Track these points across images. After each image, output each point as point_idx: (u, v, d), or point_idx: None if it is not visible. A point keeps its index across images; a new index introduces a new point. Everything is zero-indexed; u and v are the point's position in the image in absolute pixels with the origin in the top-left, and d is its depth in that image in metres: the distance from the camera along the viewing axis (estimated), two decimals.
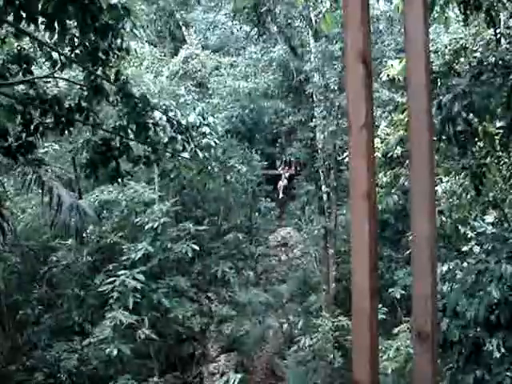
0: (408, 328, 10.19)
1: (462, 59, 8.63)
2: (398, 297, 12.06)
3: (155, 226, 14.31)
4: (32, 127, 8.47)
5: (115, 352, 12.73)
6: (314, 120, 16.14)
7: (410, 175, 1.62)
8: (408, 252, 10.97)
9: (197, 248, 14.53)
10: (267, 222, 20.64)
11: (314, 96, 16.17)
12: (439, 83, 7.73)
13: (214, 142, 8.61)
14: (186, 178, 14.82)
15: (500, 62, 7.13)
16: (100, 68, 8.25)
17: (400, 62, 10.05)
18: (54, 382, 13.16)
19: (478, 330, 7.44)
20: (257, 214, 19.66)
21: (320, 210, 16.54)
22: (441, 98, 6.84)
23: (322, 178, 16.33)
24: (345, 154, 13.25)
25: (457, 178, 9.67)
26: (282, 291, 18.02)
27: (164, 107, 8.51)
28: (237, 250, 17.42)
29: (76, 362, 13.24)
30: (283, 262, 20.46)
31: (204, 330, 16.45)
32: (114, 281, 13.28)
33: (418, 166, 1.61)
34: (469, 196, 9.59)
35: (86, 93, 8.54)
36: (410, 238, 1.66)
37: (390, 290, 12.04)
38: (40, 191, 11.60)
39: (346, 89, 1.71)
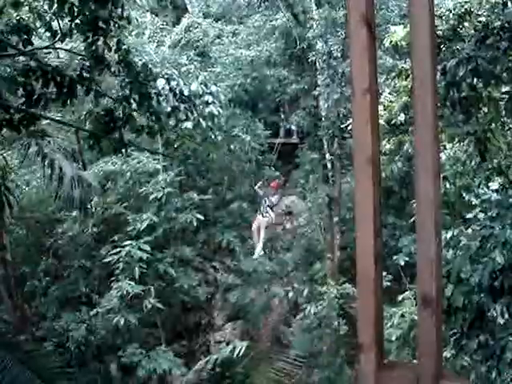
0: (412, 295, 10.24)
1: (466, 23, 8.51)
2: (403, 264, 12.08)
3: (159, 196, 14.33)
4: (34, 99, 8.45)
5: (122, 322, 12.87)
6: (317, 88, 16.02)
7: (414, 140, 1.60)
8: (412, 219, 10.98)
9: (201, 218, 14.56)
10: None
11: (317, 64, 16.04)
12: (444, 48, 7.65)
13: (218, 110, 8.55)
14: (190, 148, 14.78)
15: (506, 26, 7.04)
16: (101, 38, 8.19)
17: (404, 27, 9.93)
18: (63, 351, 13.33)
19: (482, 295, 7.47)
20: (260, 182, 19.64)
21: (324, 179, 16.51)
22: (445, 63, 6.78)
23: (325, 147, 16.28)
24: (348, 122, 13.17)
25: (461, 144, 9.62)
26: (287, 259, 18.08)
27: (166, 76, 8.45)
28: (241, 219, 17.45)
29: (84, 332, 13.39)
30: (288, 230, 20.49)
31: (210, 299, 16.59)
32: (120, 251, 13.34)
33: (423, 131, 1.60)
34: (473, 162, 9.55)
35: (87, 63, 8.49)
36: (415, 204, 1.65)
37: (395, 258, 12.07)
38: (43, 164, 11.62)
39: (350, 53, 1.68)
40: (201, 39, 20.59)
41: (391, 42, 10.02)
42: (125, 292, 12.97)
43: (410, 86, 10.14)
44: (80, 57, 8.87)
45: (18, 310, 13.05)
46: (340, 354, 13.31)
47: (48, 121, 13.71)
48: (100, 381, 13.64)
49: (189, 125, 8.22)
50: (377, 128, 1.62)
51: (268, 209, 15.91)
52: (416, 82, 1.64)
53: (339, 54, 15.15)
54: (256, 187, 16.38)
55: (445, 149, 9.67)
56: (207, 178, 17.67)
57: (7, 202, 12.12)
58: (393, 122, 10.54)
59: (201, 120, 8.23)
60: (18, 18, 7.91)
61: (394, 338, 9.61)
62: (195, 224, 14.71)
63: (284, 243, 19.81)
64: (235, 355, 12.66)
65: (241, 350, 12.61)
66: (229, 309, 16.75)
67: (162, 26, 21.34)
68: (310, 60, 16.53)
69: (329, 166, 15.91)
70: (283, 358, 15.33)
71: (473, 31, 7.79)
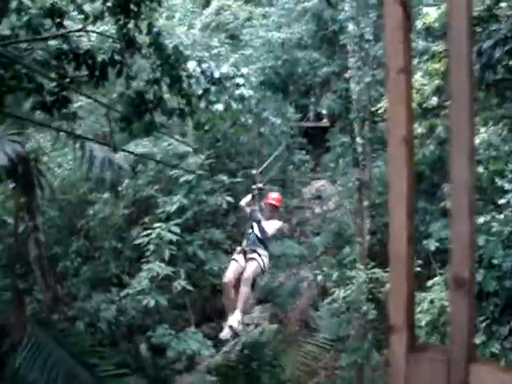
0: (443, 281, 10.16)
1: (503, 4, 8.35)
2: (433, 249, 11.98)
3: (190, 178, 14.38)
4: (66, 82, 8.54)
5: (152, 303, 13.00)
6: (348, 71, 15.87)
7: (450, 122, 1.58)
8: (443, 204, 10.87)
9: (231, 200, 14.59)
10: (301, 175, 20.57)
11: (349, 46, 15.87)
12: (479, 29, 7.52)
13: (248, 93, 8.54)
14: (220, 131, 14.80)
15: None
16: (132, 20, 8.23)
17: (437, 9, 9.78)
18: (94, 331, 13.55)
19: None
20: (291, 166, 19.59)
21: (354, 162, 16.40)
22: (481, 44, 6.66)
23: (356, 130, 16.15)
24: (379, 105, 13.05)
25: (495, 128, 9.47)
26: (316, 243, 18.07)
27: (197, 59, 8.47)
28: None
29: (115, 313, 13.59)
30: (317, 214, 20.47)
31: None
32: (150, 233, 13.45)
33: (458, 113, 1.58)
34: (507, 147, 9.40)
35: (118, 46, 8.54)
36: (446, 189, 1.63)
37: (425, 243, 11.97)
38: (74, 146, 11.74)
39: (384, 32, 1.66)
40: (231, 22, 20.53)
41: (424, 23, 9.89)
42: (155, 273, 13.10)
43: (442, 69, 10.01)
44: (111, 40, 8.93)
45: (50, 289, 13.25)
46: (368, 339, 13.29)
47: (80, 103, 13.88)
48: (130, 360, 13.84)
49: (220, 107, 8.23)
50: (410, 108, 1.60)
51: (259, 246, 8.84)
52: (452, 63, 1.61)
53: (371, 37, 14.97)
54: (242, 202, 9.25)
55: (478, 132, 9.54)
56: (237, 161, 17.66)
57: (39, 184, 12.33)
58: (425, 105, 10.42)
59: (231, 102, 8.24)
60: (51, 1, 7.99)
61: (423, 324, 9.56)
62: (225, 207, 14.76)
63: (313, 227, 19.80)
64: (264, 338, 12.76)
65: (269, 332, 12.70)
66: (257, 292, 16.80)
67: (192, 9, 21.34)
68: (341, 42, 16.36)
69: (359, 149, 15.77)
70: (311, 342, 15.37)
71: (509, 12, 7.64)
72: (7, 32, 7.92)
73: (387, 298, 1.59)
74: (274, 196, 9.46)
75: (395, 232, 1.60)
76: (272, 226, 8.88)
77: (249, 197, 8.96)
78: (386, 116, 1.65)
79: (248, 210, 8.76)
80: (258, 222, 8.63)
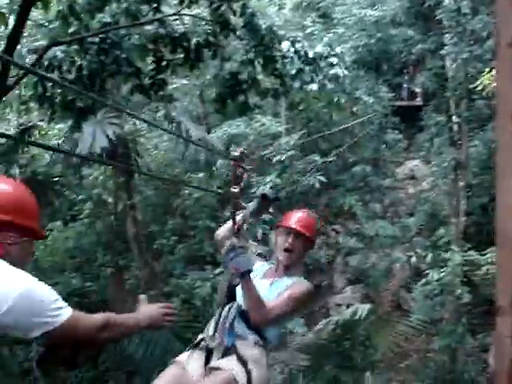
0: None
1: None
2: None
3: (282, 158, 14.44)
4: (163, 65, 8.77)
5: None
6: (444, 47, 15.39)
7: None
8: None
9: (324, 180, 14.53)
10: (394, 155, 20.21)
11: (445, 21, 15.36)
12: None
13: (342, 72, 8.48)
14: (313, 111, 14.75)
15: None
16: (226, 3, 8.32)
17: None
18: (189, 307, 13.89)
19: None
20: (384, 146, 19.28)
21: (450, 142, 15.94)
22: None
23: (452, 109, 15.68)
24: (477, 83, 12.59)
25: None
26: (410, 224, 17.74)
27: (291, 39, 8.48)
28: (364, 183, 17.26)
29: (209, 290, 13.86)
30: (411, 194, 20.06)
31: (330, 262, 16.64)
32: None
33: None
34: None
35: (213, 28, 8.67)
36: None
37: None
38: (170, 127, 12.01)
39: (495, 6, 1.63)
40: (322, 0, 20.31)
41: None
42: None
43: None
44: (206, 22, 9.07)
45: (147, 266, 13.67)
46: (462, 323, 12.98)
47: (175, 85, 14.19)
48: None
49: (314, 87, 8.23)
50: None
51: (244, 336, 3.56)
52: None
53: (468, 10, 14.44)
54: (219, 231, 3.94)
55: None
56: (329, 141, 17.55)
57: (137, 165, 12.73)
58: None
59: (326, 81, 8.21)
60: None
61: None
62: (317, 187, 14.72)
63: (407, 208, 19.44)
64: (357, 317, 12.68)
65: (362, 312, 12.60)
66: (349, 272, 16.75)
67: None
68: (436, 18, 15.86)
69: (455, 128, 15.30)
70: (403, 323, 15.18)
71: None
72: (108, 19, 8.21)
73: (483, 282, 1.57)
74: (298, 217, 3.90)
75: (502, 209, 1.57)
76: (286, 296, 3.60)
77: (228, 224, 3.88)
78: (494, 91, 1.62)
79: (226, 245, 3.47)
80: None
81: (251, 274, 3.42)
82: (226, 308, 3.59)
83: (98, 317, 2.67)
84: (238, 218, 3.67)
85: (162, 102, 10.58)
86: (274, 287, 3.74)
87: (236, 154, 3.63)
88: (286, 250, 3.82)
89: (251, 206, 3.82)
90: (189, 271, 14.67)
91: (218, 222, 15.19)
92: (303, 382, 12.43)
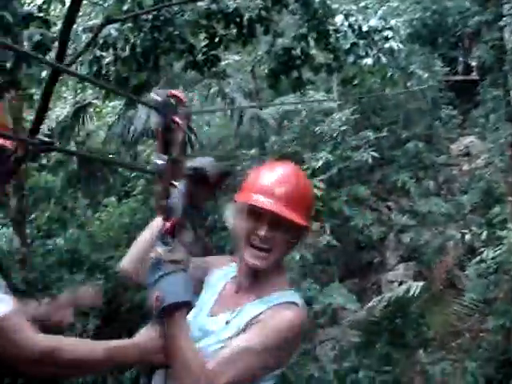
0: None
1: None
2: None
3: (335, 134, 14.35)
4: (216, 41, 8.79)
5: (298, 257, 13.23)
6: (502, 19, 14.94)
7: None
8: None
9: (377, 156, 14.39)
10: (448, 131, 19.82)
11: None
12: None
13: (398, 45, 8.34)
14: (366, 86, 14.57)
15: None
16: None
17: None
18: None
19: None
20: (438, 121, 18.93)
21: (507, 117, 15.53)
22: None
23: (510, 83, 15.24)
24: None
25: None
26: (464, 202, 17.44)
27: (345, 12, 8.37)
28: (417, 159, 17.01)
29: None
30: (465, 171, 19.69)
31: (383, 239, 16.54)
32: None
33: None
34: None
35: (265, 3, 8.63)
36: None
37: None
38: (223, 103, 12.08)
39: None
40: None
41: None
42: None
43: None
44: None
45: (200, 242, 13.85)
46: None
47: (228, 61, 14.22)
48: None
49: (369, 61, 8.12)
50: None
51: None
52: None
53: None
54: (125, 263, 2.53)
55: None
56: (382, 117, 17.34)
57: (189, 142, 12.86)
58: None
59: (380, 56, 8.09)
60: None
61: None
62: (370, 163, 14.60)
63: (461, 185, 19.12)
64: (410, 295, 12.60)
65: (416, 290, 12.51)
66: (402, 249, 16.62)
67: None
68: None
69: None
70: (457, 302, 15.01)
71: None
72: None
73: None
74: (276, 183, 2.26)
75: None
76: (245, 344, 2.07)
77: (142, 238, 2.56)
78: None
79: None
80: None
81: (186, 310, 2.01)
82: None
83: (42, 342, 1.88)
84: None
85: (215, 79, 10.62)
86: (233, 324, 2.16)
87: (157, 98, 2.09)
88: (255, 246, 2.18)
89: (179, 189, 2.10)
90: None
91: None
92: (355, 358, 12.45)
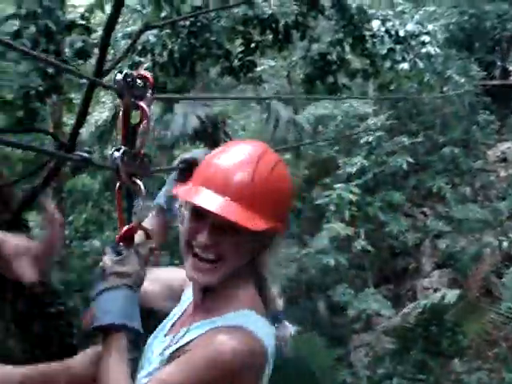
0: None
1: None
2: None
3: (370, 139, 14.30)
4: (252, 46, 8.87)
5: (332, 262, 13.19)
6: None
7: None
8: None
9: (412, 162, 14.30)
10: (485, 136, 19.54)
11: None
12: None
13: (435, 50, 8.31)
14: (402, 91, 14.49)
15: None
16: None
17: None
18: None
19: None
20: (474, 127, 18.71)
21: None
22: None
23: None
24: None
25: None
26: (501, 208, 17.21)
27: (381, 18, 8.37)
28: (453, 165, 16.84)
29: (295, 270, 13.99)
30: (502, 178, 19.43)
31: (418, 245, 16.41)
32: (331, 194, 13.59)
33: None
34: None
35: (301, 9, 8.69)
36: None
37: None
38: (259, 108, 12.14)
39: None
40: None
41: None
42: (335, 233, 13.25)
43: None
44: (294, 3, 9.08)
45: None
46: None
47: (263, 67, 14.30)
48: (309, 317, 14.22)
49: (405, 66, 8.11)
50: None
51: None
52: None
53: None
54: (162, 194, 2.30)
55: None
56: (418, 122, 17.22)
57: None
58: None
59: (417, 61, 8.07)
60: None
61: None
62: (405, 168, 14.51)
63: (498, 191, 18.88)
64: (445, 302, 12.49)
65: (452, 297, 12.40)
66: (437, 256, 16.46)
67: None
68: None
69: None
70: (493, 310, 14.80)
71: None
72: (198, 3, 8.39)
73: None
74: (225, 173, 1.66)
75: None
76: None
77: None
78: None
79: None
80: None
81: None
82: None
83: None
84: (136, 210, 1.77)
85: (251, 84, 10.69)
86: (166, 352, 1.72)
87: (119, 77, 1.74)
88: (197, 255, 1.67)
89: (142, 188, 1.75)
90: None
91: (304, 203, 15.29)
92: (389, 365, 12.37)
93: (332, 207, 13.42)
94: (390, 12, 8.73)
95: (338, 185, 13.73)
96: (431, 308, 12.61)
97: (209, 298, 1.73)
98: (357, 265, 14.90)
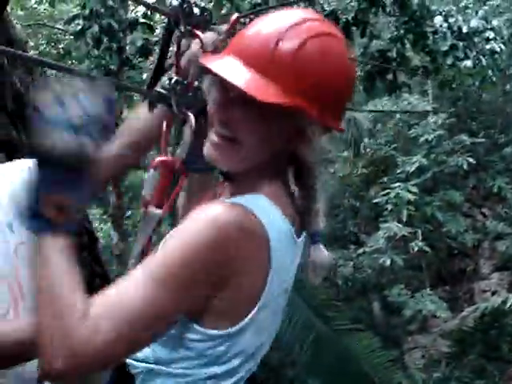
0: None
1: None
2: None
3: (430, 138, 14.07)
4: None
5: (388, 262, 13.05)
6: None
7: None
8: None
9: (472, 161, 14.02)
10: None
11: None
12: None
13: (499, 47, 8.10)
14: (462, 89, 14.22)
15: None
16: None
17: None
18: (328, 285, 14.01)
19: None
20: None
21: None
22: None
23: None
24: None
25: None
26: None
27: (444, 13, 8.21)
28: None
29: (351, 269, 13.92)
30: None
31: (476, 246, 16.09)
32: (389, 193, 13.44)
33: None
34: None
35: (361, 5, 8.61)
36: None
37: None
38: None
39: None
40: None
41: None
42: (392, 233, 13.09)
43: None
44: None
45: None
46: None
47: None
48: (363, 317, 14.12)
49: (468, 63, 7.93)
50: None
51: None
52: None
53: None
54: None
55: None
56: (479, 121, 16.87)
57: None
58: None
59: (481, 57, 7.89)
60: None
61: None
62: (465, 168, 14.23)
63: None
64: (507, 307, 12.20)
65: None
66: (496, 258, 16.11)
67: None
68: None
69: None
70: None
71: None
72: (258, 0, 8.41)
73: None
74: (250, 40, 1.43)
75: None
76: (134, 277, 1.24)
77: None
78: None
79: None
80: None
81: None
82: None
83: None
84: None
85: None
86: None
87: (174, 2, 1.65)
88: (216, 132, 1.40)
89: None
90: (332, 250, 14.78)
91: (362, 202, 15.18)
92: (446, 369, 12.18)
93: (389, 206, 13.27)
94: (453, 7, 8.55)
95: (396, 184, 13.58)
96: (491, 312, 12.35)
97: (230, 186, 1.49)
98: (414, 265, 14.71)
